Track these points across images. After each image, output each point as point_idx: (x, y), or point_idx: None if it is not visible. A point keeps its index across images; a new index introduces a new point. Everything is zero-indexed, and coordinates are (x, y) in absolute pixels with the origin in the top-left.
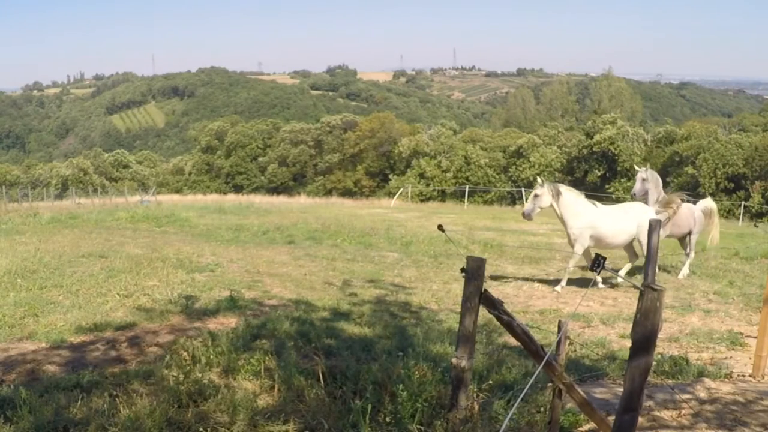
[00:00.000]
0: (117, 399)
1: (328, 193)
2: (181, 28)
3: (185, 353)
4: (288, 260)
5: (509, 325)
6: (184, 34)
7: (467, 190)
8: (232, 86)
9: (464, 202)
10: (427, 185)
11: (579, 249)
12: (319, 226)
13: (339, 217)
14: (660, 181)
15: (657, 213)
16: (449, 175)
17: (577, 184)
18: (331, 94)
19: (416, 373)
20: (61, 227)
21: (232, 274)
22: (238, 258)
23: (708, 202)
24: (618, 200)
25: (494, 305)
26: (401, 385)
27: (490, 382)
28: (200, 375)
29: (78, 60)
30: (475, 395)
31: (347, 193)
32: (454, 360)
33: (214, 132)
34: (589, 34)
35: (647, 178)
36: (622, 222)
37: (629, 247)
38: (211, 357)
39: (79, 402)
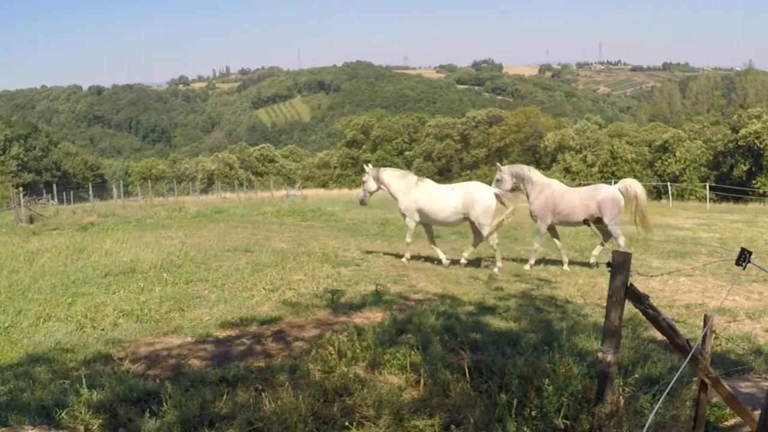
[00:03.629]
0: (263, 393)
1: None
2: (327, 22)
3: (331, 348)
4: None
5: (655, 319)
6: (329, 28)
7: (612, 184)
8: (378, 80)
9: None
10: (573, 180)
11: (410, 223)
12: None
13: None
14: (522, 171)
15: (496, 193)
16: (594, 169)
17: (723, 178)
18: (476, 88)
19: (562, 367)
20: (207, 221)
21: (378, 269)
22: (384, 252)
23: (627, 183)
24: (765, 195)
25: (640, 300)
26: (547, 380)
27: (636, 376)
28: (346, 369)
29: (224, 54)
30: (620, 389)
31: None
32: (599, 354)
33: (360, 126)
34: (736, 27)
35: (501, 178)
36: (446, 198)
37: (473, 228)
38: (357, 351)
39: (224, 396)
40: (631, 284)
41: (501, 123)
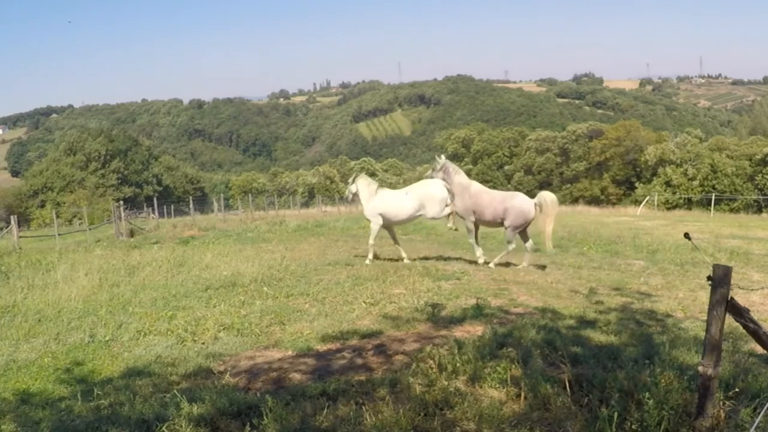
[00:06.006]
0: (363, 407)
1: (575, 201)
2: (428, 35)
3: (431, 361)
4: (534, 268)
5: (756, 333)
6: (430, 41)
7: (713, 198)
8: (478, 94)
9: (710, 210)
10: (673, 193)
11: (374, 225)
12: (565, 234)
13: (585, 225)
14: (449, 169)
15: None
16: (695, 183)
17: None
18: (577, 102)
19: (662, 381)
20: (307, 235)
21: (479, 282)
22: (484, 266)
23: (542, 196)
24: None
25: (740, 313)
26: (647, 393)
27: (736, 390)
28: (446, 383)
29: (324, 68)
30: (721, 403)
31: (593, 201)
32: (700, 368)
33: (461, 140)
34: None
35: (435, 167)
36: (402, 201)
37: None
38: (458, 365)
39: (325, 410)
40: (732, 298)
41: (601, 137)
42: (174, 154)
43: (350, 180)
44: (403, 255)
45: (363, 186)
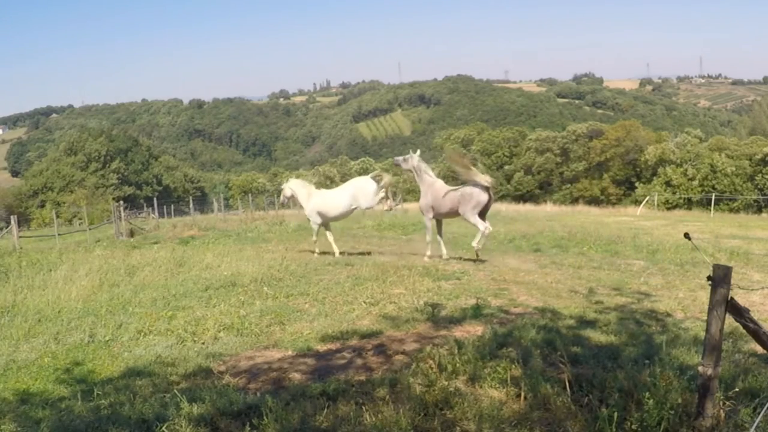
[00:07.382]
0: (363, 407)
1: (575, 201)
2: (427, 35)
3: (431, 361)
4: (534, 268)
5: (756, 333)
6: (430, 41)
7: (713, 198)
8: (479, 94)
9: (710, 210)
10: (673, 193)
11: (313, 224)
12: (565, 234)
13: (585, 225)
14: (421, 166)
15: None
16: (695, 183)
17: None
18: (577, 102)
19: (662, 381)
20: (307, 235)
21: (478, 282)
22: (484, 266)
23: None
24: None
25: (741, 313)
26: (647, 393)
27: (736, 389)
28: (446, 383)
29: (324, 68)
30: (721, 403)
31: (593, 201)
32: (700, 368)
33: (461, 140)
34: None
35: (406, 160)
36: (337, 198)
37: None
38: (457, 365)
39: (325, 410)
40: (732, 298)
41: (601, 137)
42: (174, 154)
43: (282, 185)
44: (336, 250)
45: (298, 188)
